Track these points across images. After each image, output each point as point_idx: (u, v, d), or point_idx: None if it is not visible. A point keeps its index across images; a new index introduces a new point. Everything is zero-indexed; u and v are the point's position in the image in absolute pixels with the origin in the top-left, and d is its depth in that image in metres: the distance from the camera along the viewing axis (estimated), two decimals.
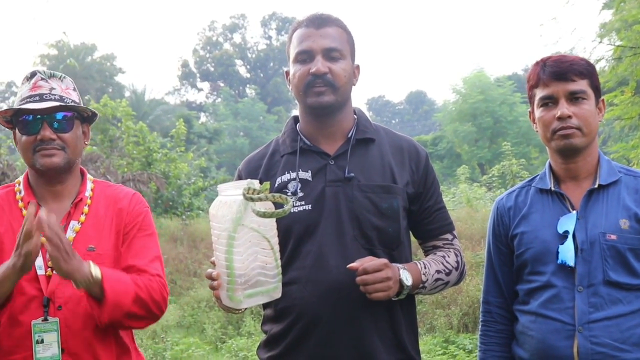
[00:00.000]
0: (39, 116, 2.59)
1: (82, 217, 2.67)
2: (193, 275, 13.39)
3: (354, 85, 2.69)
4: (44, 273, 2.56)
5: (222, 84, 68.77)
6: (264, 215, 2.17)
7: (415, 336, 2.70)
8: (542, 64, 2.64)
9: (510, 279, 2.77)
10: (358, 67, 2.73)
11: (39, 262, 2.56)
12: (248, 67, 72.21)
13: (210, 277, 2.31)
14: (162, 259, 2.80)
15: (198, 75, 71.48)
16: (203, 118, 60.20)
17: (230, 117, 54.32)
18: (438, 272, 2.59)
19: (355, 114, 2.74)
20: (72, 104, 2.65)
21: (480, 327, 2.86)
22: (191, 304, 11.65)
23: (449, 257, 2.67)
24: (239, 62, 71.72)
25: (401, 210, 2.59)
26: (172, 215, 17.63)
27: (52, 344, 2.51)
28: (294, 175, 2.63)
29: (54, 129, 2.61)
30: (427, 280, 2.55)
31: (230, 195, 2.25)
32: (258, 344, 9.32)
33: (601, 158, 2.68)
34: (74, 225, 2.65)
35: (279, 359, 2.62)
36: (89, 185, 2.76)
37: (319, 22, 2.62)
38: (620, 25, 13.66)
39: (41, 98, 2.60)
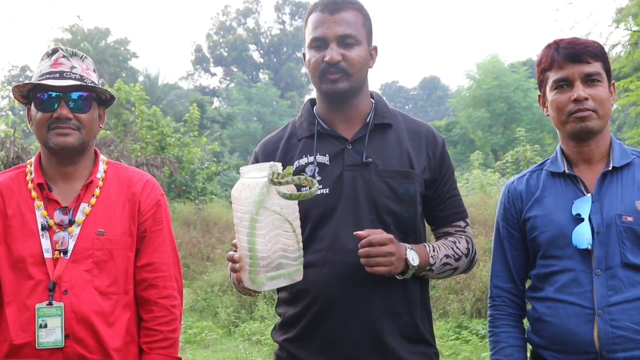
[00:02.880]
0: (57, 94, 2.55)
1: (93, 200, 2.62)
2: (206, 259, 13.44)
3: (371, 67, 2.68)
4: (50, 256, 2.52)
5: (235, 69, 68.74)
6: (290, 197, 2.17)
7: (429, 322, 2.69)
8: (555, 46, 2.61)
9: (521, 264, 2.74)
10: (375, 48, 2.70)
11: (46, 245, 2.53)
12: (261, 52, 72.11)
13: (232, 260, 2.29)
14: (177, 249, 2.80)
15: (211, 60, 71.46)
16: (216, 103, 60.23)
17: (244, 102, 54.33)
18: (447, 256, 2.58)
19: (373, 98, 2.73)
20: (92, 84, 2.61)
21: (489, 312, 2.82)
22: (204, 288, 11.69)
23: (459, 243, 2.64)
24: (252, 47, 71.62)
25: (418, 196, 2.59)
26: (186, 200, 17.67)
27: (56, 329, 2.47)
28: (311, 159, 2.62)
29: (71, 108, 2.56)
30: (435, 263, 2.54)
31: (253, 177, 2.24)
32: (272, 327, 9.33)
33: (613, 141, 2.65)
34: (84, 207, 2.60)
35: (294, 342, 2.62)
36: (102, 167, 2.71)
37: (333, 6, 2.59)
38: (637, 10, 13.57)
39: (61, 75, 2.55)
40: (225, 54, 70.85)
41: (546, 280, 2.61)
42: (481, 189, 15.05)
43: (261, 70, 68.35)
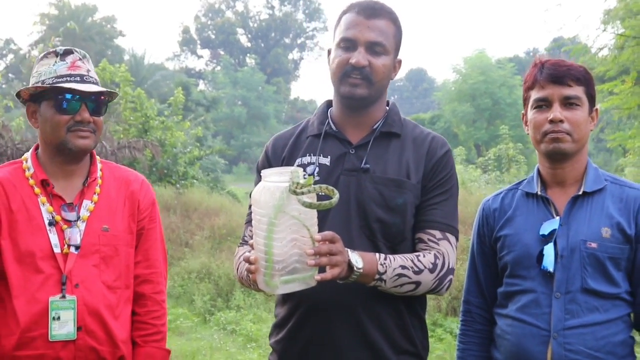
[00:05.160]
0: (79, 97, 2.60)
1: (95, 197, 2.69)
2: (185, 245, 13.39)
3: (392, 79, 2.67)
4: (60, 251, 2.57)
5: (222, 52, 68.52)
6: (310, 206, 2.18)
7: (421, 330, 2.66)
8: (540, 65, 2.63)
9: (492, 280, 2.77)
10: (400, 61, 2.69)
11: (55, 240, 2.57)
12: (249, 36, 71.92)
13: (249, 261, 2.28)
14: (166, 247, 2.89)
15: (198, 42, 71.21)
16: (202, 85, 60.09)
17: (229, 86, 54.18)
18: (403, 267, 2.44)
19: (388, 106, 2.72)
20: (107, 89, 2.68)
21: (459, 326, 2.87)
22: (181, 274, 11.65)
23: (423, 256, 2.49)
24: (240, 30, 71.42)
25: (409, 207, 2.56)
26: (167, 184, 17.59)
27: (69, 322, 2.53)
28: (314, 159, 2.63)
29: (90, 112, 2.62)
30: (386, 272, 2.40)
31: (274, 181, 2.24)
32: (247, 317, 9.30)
33: (589, 165, 2.67)
34: (88, 204, 2.66)
35: (281, 343, 2.64)
36: (99, 165, 2.78)
37: (370, 11, 2.57)
38: (624, 14, 13.60)
39: (82, 79, 2.62)
40: (213, 36, 70.60)
41: (510, 299, 2.65)
42: (462, 185, 15.10)
43: (248, 55, 68.21)
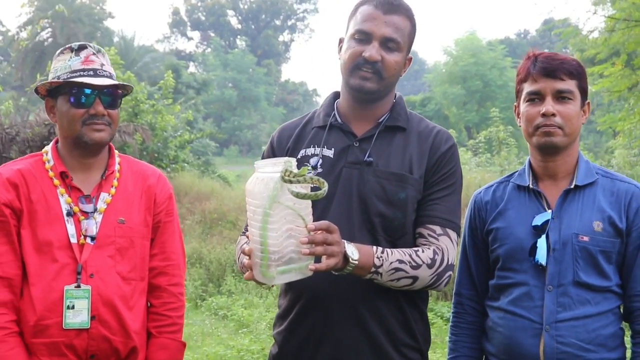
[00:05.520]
0: (93, 91, 2.66)
1: (113, 190, 2.75)
2: None
3: (402, 75, 2.67)
4: (76, 242, 2.63)
5: (212, 34, 68.20)
6: (297, 195, 2.18)
7: (423, 324, 2.65)
8: (534, 58, 2.63)
9: (484, 272, 2.78)
10: (411, 59, 2.68)
11: (72, 230, 2.64)
12: (239, 18, 71.61)
13: (245, 253, 2.29)
14: (183, 240, 2.96)
15: (189, 23, 70.87)
16: (192, 68, 59.84)
17: (220, 68, 54.02)
18: (400, 261, 2.43)
19: (395, 98, 2.72)
20: (121, 82, 2.74)
21: (451, 318, 2.88)
22: None
23: (422, 251, 2.48)
24: (230, 12, 71.11)
25: (410, 202, 2.55)
26: (157, 167, 17.54)
27: (83, 310, 2.59)
28: (318, 150, 2.63)
29: (104, 105, 2.68)
30: (382, 265, 2.39)
31: (268, 172, 2.25)
32: (239, 302, 9.27)
33: (580, 158, 2.68)
34: (105, 197, 2.73)
35: (282, 334, 2.66)
36: (117, 159, 2.84)
37: (388, 7, 2.56)
38: None
39: (95, 73, 2.68)
40: (203, 18, 70.28)
41: (502, 292, 2.67)
42: None
43: (238, 37, 68.00)
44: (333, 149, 2.62)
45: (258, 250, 2.24)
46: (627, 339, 2.62)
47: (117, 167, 2.81)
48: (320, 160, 2.60)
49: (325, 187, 2.23)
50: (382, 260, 2.40)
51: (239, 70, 54.57)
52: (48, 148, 2.79)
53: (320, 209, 2.51)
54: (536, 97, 2.60)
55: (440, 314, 8.50)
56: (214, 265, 11.06)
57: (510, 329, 2.60)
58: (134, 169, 2.87)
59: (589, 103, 2.67)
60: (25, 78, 39.31)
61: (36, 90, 2.79)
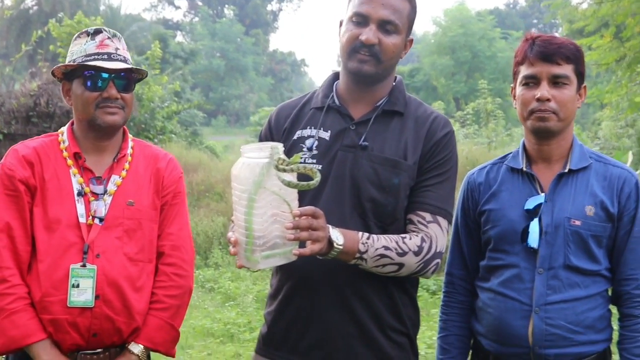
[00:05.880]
0: (106, 74, 2.71)
1: (124, 173, 2.80)
2: None
3: (401, 58, 2.64)
4: (85, 221, 2.69)
5: (200, 3, 67.67)
6: (289, 184, 2.18)
7: (412, 308, 2.63)
8: (532, 41, 2.62)
9: (475, 253, 2.79)
10: (411, 40, 2.65)
11: (81, 210, 2.69)
12: None
13: (230, 242, 2.30)
14: (189, 224, 2.99)
15: None
16: (179, 37, 59.40)
17: (207, 38, 53.69)
18: (386, 248, 2.41)
19: (395, 82, 2.69)
20: (136, 66, 2.78)
21: (442, 297, 2.89)
22: None
23: (410, 238, 2.47)
24: None
25: (403, 188, 2.52)
26: (145, 139, 17.38)
27: (87, 289, 2.63)
28: (314, 132, 2.61)
29: (118, 89, 2.72)
30: (367, 251, 2.38)
31: (253, 157, 2.25)
32: (226, 274, 9.26)
33: (574, 142, 2.69)
34: (116, 179, 2.78)
35: (272, 314, 2.65)
36: (130, 143, 2.89)
37: None
38: None
39: (109, 57, 2.73)
40: None
41: (492, 273, 2.68)
42: None
43: (226, 6, 67.43)
44: (330, 131, 2.59)
45: (243, 235, 2.24)
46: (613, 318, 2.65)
47: (129, 150, 2.86)
48: (316, 142, 2.58)
49: (318, 177, 2.22)
50: (367, 246, 2.39)
51: (226, 39, 54.24)
52: (64, 129, 2.86)
53: (314, 192, 2.48)
54: (532, 81, 2.59)
55: (426, 287, 8.55)
56: (201, 238, 11.06)
57: (500, 310, 2.61)
58: (146, 152, 2.91)
59: (585, 87, 2.67)
60: (10, 47, 38.91)
61: (53, 73, 2.84)
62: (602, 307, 2.60)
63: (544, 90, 2.55)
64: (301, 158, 2.39)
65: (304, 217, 2.24)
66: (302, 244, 2.26)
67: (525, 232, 2.59)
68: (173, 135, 18.93)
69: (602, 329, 2.59)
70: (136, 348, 2.73)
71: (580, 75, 2.61)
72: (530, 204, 2.61)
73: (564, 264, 2.55)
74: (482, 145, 14.99)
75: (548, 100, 2.55)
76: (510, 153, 2.79)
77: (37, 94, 16.27)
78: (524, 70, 2.61)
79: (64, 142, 2.80)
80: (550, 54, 2.56)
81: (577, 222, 2.56)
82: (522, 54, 2.63)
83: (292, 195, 2.26)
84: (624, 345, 2.59)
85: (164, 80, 19.89)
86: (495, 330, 2.63)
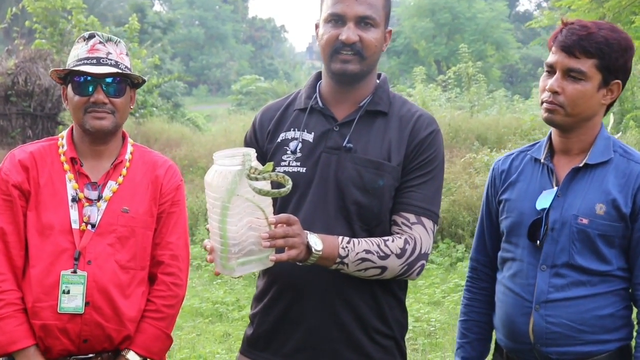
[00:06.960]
0: (93, 79, 2.70)
1: (120, 179, 2.79)
2: None
3: (383, 50, 2.60)
4: (77, 227, 2.68)
5: None
6: (260, 192, 2.18)
7: (399, 310, 2.62)
8: (562, 28, 2.51)
9: (495, 241, 2.74)
10: (390, 31, 2.61)
11: (74, 216, 2.69)
12: None
13: (206, 249, 2.29)
14: (188, 232, 2.95)
15: None
16: (157, 6, 58.72)
17: (185, 6, 53.23)
18: (367, 252, 2.39)
19: (379, 80, 2.65)
20: (126, 70, 2.76)
21: (465, 282, 2.88)
22: None
23: (392, 241, 2.43)
24: None
25: (387, 190, 2.49)
26: None
27: (78, 296, 2.64)
28: (298, 134, 2.58)
29: (106, 93, 2.70)
30: (347, 255, 2.36)
31: (226, 165, 2.24)
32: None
33: (600, 135, 2.55)
34: (112, 185, 2.77)
35: (257, 316, 2.64)
36: (129, 148, 2.88)
37: None
38: None
39: (98, 62, 2.71)
40: None
41: (504, 264, 2.65)
42: (423, 105, 15.08)
43: None
44: (313, 133, 2.56)
45: (218, 242, 2.24)
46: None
47: (128, 156, 2.84)
48: (300, 145, 2.55)
49: (289, 185, 2.21)
50: (348, 250, 2.36)
51: (205, 7, 53.80)
52: (64, 133, 2.86)
53: (298, 195, 2.49)
54: (550, 70, 2.50)
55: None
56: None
57: (507, 305, 2.58)
58: (145, 158, 2.90)
59: (617, 83, 2.50)
60: None
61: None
62: (616, 305, 2.48)
63: (553, 82, 2.45)
64: (284, 161, 2.37)
65: (279, 224, 2.24)
66: (279, 250, 2.25)
67: (532, 226, 2.52)
68: (154, 109, 18.80)
69: (615, 328, 2.48)
70: (133, 357, 2.73)
71: (608, 70, 2.45)
72: (541, 203, 2.52)
73: (567, 263, 2.46)
74: (465, 110, 14.97)
75: (557, 92, 2.45)
76: (539, 142, 2.70)
77: (15, 73, 16.14)
78: (549, 58, 2.51)
79: (62, 146, 2.80)
80: (570, 46, 2.43)
81: (585, 221, 2.44)
82: (552, 40, 2.53)
83: (267, 201, 2.26)
84: (637, 354, 2.45)
85: (143, 54, 19.69)
86: (504, 325, 2.60)
